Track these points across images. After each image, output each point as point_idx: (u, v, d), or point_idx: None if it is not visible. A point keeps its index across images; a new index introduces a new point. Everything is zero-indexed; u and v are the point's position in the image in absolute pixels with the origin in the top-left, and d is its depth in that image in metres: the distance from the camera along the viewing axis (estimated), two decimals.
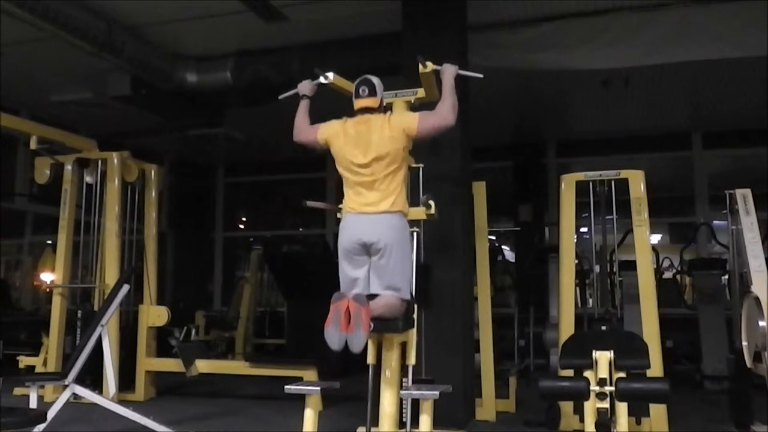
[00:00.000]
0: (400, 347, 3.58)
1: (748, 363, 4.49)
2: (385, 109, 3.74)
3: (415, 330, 3.65)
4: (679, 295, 8.25)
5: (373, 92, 3.57)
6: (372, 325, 3.17)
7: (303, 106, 3.80)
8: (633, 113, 9.01)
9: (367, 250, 3.39)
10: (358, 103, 3.57)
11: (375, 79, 3.61)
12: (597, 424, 3.56)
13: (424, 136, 3.53)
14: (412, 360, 3.62)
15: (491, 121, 8.72)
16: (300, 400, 3.43)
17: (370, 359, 3.56)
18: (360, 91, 3.57)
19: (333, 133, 3.58)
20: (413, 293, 3.58)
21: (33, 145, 6.14)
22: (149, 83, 7.26)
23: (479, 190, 5.79)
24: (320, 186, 11.30)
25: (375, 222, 3.40)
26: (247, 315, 9.45)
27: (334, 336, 3.12)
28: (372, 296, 3.34)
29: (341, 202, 3.60)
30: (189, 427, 5.10)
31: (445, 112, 3.47)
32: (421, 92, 4.08)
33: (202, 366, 6.39)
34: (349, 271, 3.45)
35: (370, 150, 3.44)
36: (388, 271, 3.37)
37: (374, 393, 3.49)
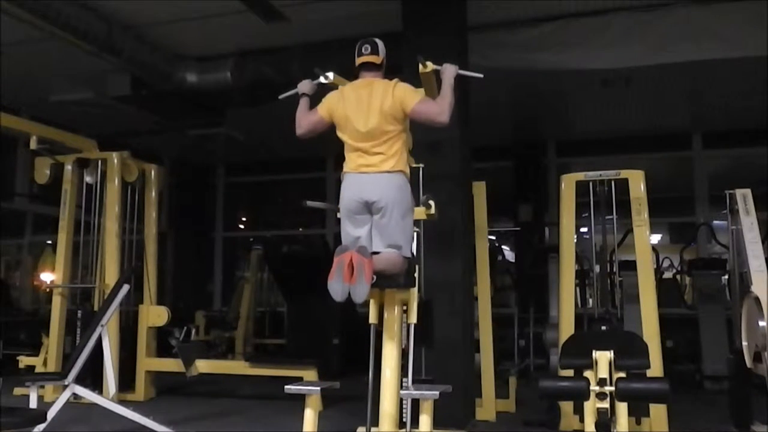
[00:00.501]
0: (401, 305, 3.63)
1: (748, 363, 4.49)
2: (392, 75, 3.72)
3: (416, 289, 3.69)
4: (679, 295, 8.24)
5: (375, 50, 3.60)
6: (374, 278, 3.23)
7: (303, 102, 3.81)
8: (633, 113, 9.00)
9: (368, 208, 3.43)
10: (360, 60, 3.60)
11: (378, 40, 3.64)
12: (597, 424, 3.56)
13: (414, 118, 3.55)
14: (413, 318, 3.68)
15: (491, 121, 8.71)
16: (300, 400, 3.43)
17: (372, 318, 3.58)
18: (362, 49, 3.61)
19: (333, 102, 3.60)
20: (414, 252, 3.63)
21: (33, 145, 6.15)
22: (149, 83, 7.26)
23: (479, 190, 5.79)
24: (320, 186, 11.30)
25: (376, 181, 3.43)
26: (247, 315, 9.45)
27: (337, 287, 3.17)
28: (374, 254, 3.37)
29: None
30: (189, 427, 5.10)
31: (443, 108, 3.49)
32: (421, 92, 4.07)
33: (202, 366, 6.40)
34: (351, 230, 3.48)
35: (371, 116, 3.46)
36: (390, 230, 3.41)
37: (374, 393, 3.48)
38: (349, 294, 3.18)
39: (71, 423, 5.13)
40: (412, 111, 3.48)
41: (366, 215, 3.45)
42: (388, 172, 3.45)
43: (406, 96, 3.50)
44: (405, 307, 3.70)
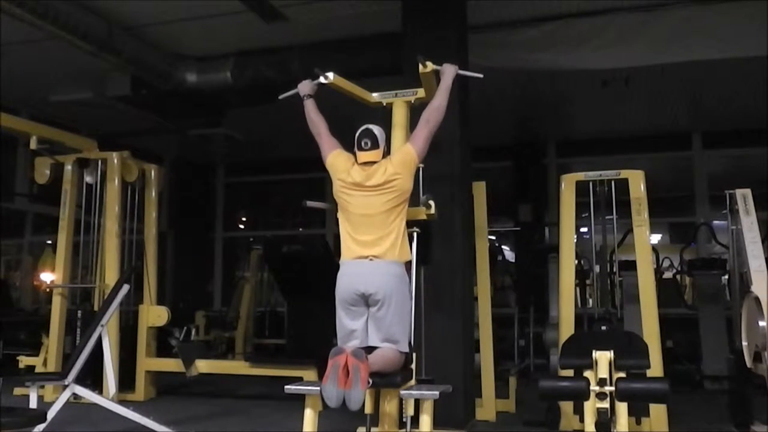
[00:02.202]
0: (398, 398, 3.52)
1: (748, 363, 4.49)
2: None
3: (413, 381, 3.58)
4: (679, 295, 8.24)
5: (375, 145, 3.53)
6: (370, 382, 3.10)
7: (312, 106, 3.78)
8: (633, 113, 9.01)
9: (365, 300, 3.34)
10: (362, 157, 3.53)
11: (376, 129, 3.57)
12: (597, 424, 3.56)
13: (425, 150, 3.55)
14: (410, 411, 3.56)
15: (491, 121, 8.72)
16: (300, 400, 3.43)
17: (368, 409, 3.53)
18: (362, 144, 3.54)
19: (340, 168, 3.56)
20: (411, 343, 3.53)
21: (33, 145, 6.14)
22: (149, 83, 7.26)
23: (479, 190, 5.78)
24: (320, 186, 11.28)
25: (374, 272, 3.35)
26: (247, 315, 9.45)
27: (332, 393, 3.01)
28: (370, 348, 3.29)
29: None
30: (189, 427, 5.10)
31: (439, 105, 3.51)
32: (421, 92, 4.07)
33: (202, 366, 6.40)
34: (347, 322, 3.39)
35: (375, 179, 3.44)
36: (387, 323, 3.32)
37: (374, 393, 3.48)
38: (344, 399, 3.03)
39: (71, 423, 5.13)
40: (418, 154, 3.49)
41: (362, 307, 3.36)
42: (387, 262, 3.37)
43: (403, 156, 3.50)
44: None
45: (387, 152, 3.59)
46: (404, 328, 3.42)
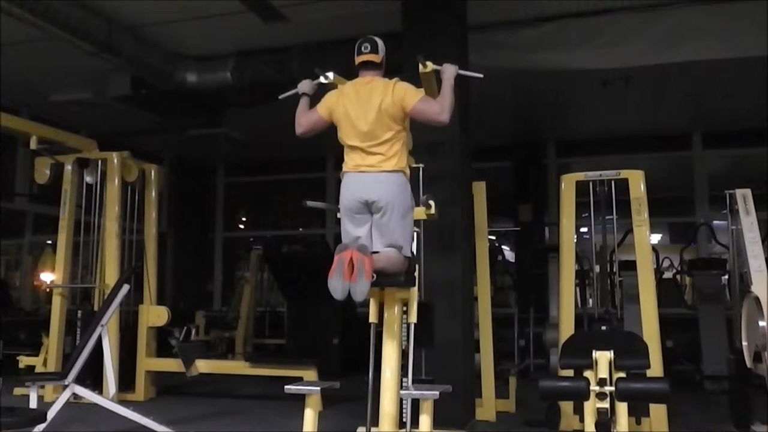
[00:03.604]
0: (401, 305, 3.62)
1: (748, 363, 4.49)
2: (392, 75, 3.71)
3: (416, 288, 3.68)
4: (679, 295, 8.24)
5: (375, 49, 3.59)
6: (374, 276, 3.22)
7: (303, 102, 3.80)
8: (633, 113, 9.00)
9: (368, 208, 3.42)
10: (360, 59, 3.60)
11: (377, 39, 3.64)
12: (597, 424, 3.56)
13: (414, 116, 3.54)
14: (413, 318, 3.66)
15: (491, 121, 8.71)
16: (300, 400, 3.43)
17: (372, 317, 3.57)
18: (362, 47, 3.60)
19: (333, 101, 3.60)
20: (413, 251, 3.63)
21: (33, 145, 6.14)
22: (149, 83, 7.26)
23: (479, 190, 5.78)
24: (320, 186, 11.30)
25: (376, 180, 3.42)
26: (247, 315, 9.45)
27: (337, 285, 3.16)
28: (374, 254, 3.36)
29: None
30: (189, 427, 5.10)
31: (443, 108, 3.49)
32: (421, 91, 4.07)
33: (202, 366, 6.39)
34: (351, 229, 3.47)
35: (370, 114, 3.45)
36: (390, 229, 3.41)
37: (374, 393, 3.48)
38: (349, 292, 3.17)
39: (71, 423, 5.13)
40: (412, 109, 3.47)
41: (366, 215, 3.45)
42: (389, 171, 3.44)
43: (407, 95, 3.49)
44: (405, 307, 3.70)
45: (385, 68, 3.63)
46: (407, 234, 3.52)
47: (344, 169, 3.56)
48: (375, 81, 3.55)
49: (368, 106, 3.47)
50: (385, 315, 3.56)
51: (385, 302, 3.58)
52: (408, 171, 3.59)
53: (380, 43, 3.64)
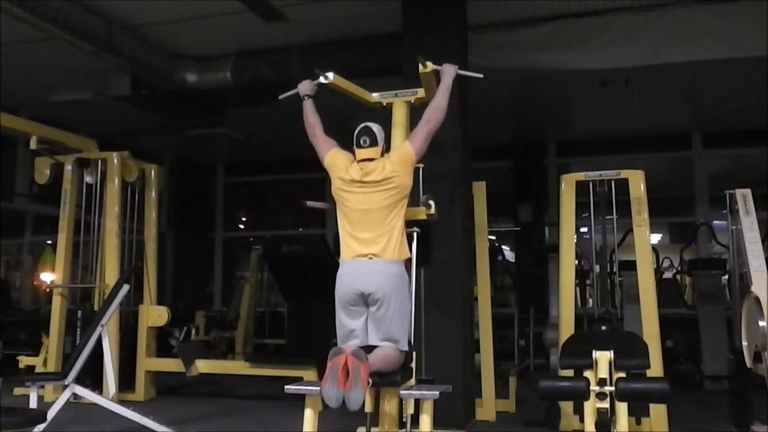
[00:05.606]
0: (398, 397, 3.51)
1: (748, 363, 4.49)
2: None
3: (413, 380, 3.57)
4: (679, 295, 8.24)
5: (374, 142, 3.50)
6: (370, 382, 3.07)
7: (310, 107, 3.77)
8: (633, 113, 9.01)
9: (364, 300, 3.32)
10: (360, 154, 3.51)
11: (375, 127, 3.55)
12: (597, 424, 3.56)
13: (423, 149, 3.54)
14: (410, 410, 3.55)
15: (491, 121, 8.71)
16: (300, 400, 3.43)
17: (368, 408, 3.52)
18: (361, 141, 3.51)
19: (339, 166, 3.55)
20: (411, 341, 3.52)
21: (33, 145, 6.14)
22: (149, 83, 7.26)
23: (479, 190, 5.78)
24: (320, 186, 11.27)
25: (373, 271, 3.33)
26: (247, 315, 9.44)
27: (331, 393, 2.97)
28: (370, 347, 3.27)
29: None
30: (189, 427, 5.10)
31: (440, 104, 3.50)
32: (421, 92, 4.07)
33: (202, 366, 6.40)
34: (346, 321, 3.37)
35: (374, 176, 3.42)
36: (386, 322, 3.30)
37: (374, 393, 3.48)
38: (344, 401, 2.98)
39: (71, 423, 5.13)
40: (416, 152, 3.47)
41: (362, 306, 3.34)
42: (385, 260, 3.35)
43: (401, 154, 3.49)
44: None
45: (386, 150, 3.57)
46: (404, 326, 3.41)
47: (341, 257, 3.46)
48: (373, 164, 3.48)
49: (370, 174, 3.43)
50: (381, 410, 3.50)
51: (381, 398, 3.51)
52: (406, 256, 3.47)
53: (377, 132, 3.54)
